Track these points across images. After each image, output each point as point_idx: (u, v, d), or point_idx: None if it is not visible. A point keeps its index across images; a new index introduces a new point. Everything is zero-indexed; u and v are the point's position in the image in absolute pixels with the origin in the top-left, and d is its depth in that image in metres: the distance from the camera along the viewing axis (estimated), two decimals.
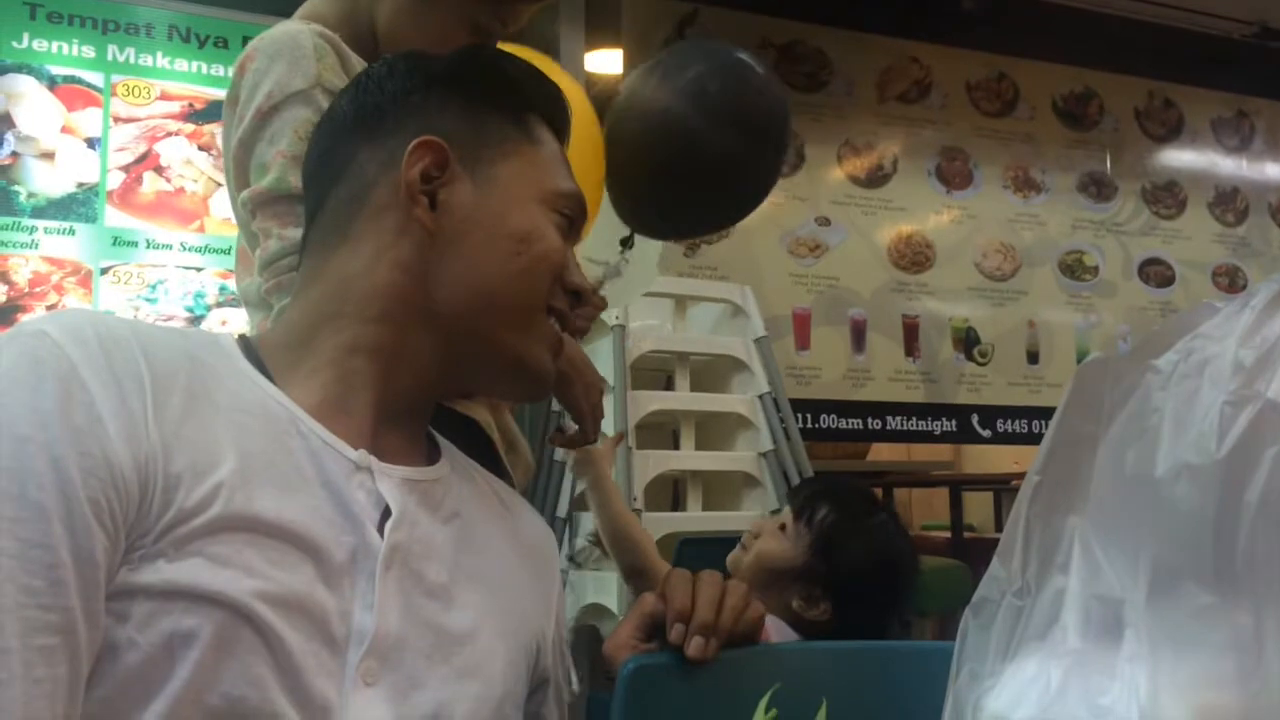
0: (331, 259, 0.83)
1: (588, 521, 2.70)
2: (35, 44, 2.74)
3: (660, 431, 2.91)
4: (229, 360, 0.76)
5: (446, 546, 0.80)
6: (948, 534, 4.38)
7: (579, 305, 0.90)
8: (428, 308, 0.81)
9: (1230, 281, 4.20)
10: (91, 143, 2.75)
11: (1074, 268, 3.99)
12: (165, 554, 0.65)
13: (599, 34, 3.53)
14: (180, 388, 0.70)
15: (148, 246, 2.77)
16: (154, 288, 2.76)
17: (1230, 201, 4.28)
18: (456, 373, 0.85)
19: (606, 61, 3.61)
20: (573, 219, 0.89)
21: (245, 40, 2.96)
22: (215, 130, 2.84)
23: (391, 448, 0.80)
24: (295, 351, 0.79)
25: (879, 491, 4.00)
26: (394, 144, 0.82)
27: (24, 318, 2.60)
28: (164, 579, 0.65)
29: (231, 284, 2.84)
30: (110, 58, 2.80)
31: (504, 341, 0.84)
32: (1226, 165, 4.32)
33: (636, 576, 2.05)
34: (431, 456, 0.86)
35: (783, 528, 1.53)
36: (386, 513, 0.76)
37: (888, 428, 3.66)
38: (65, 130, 2.73)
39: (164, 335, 0.74)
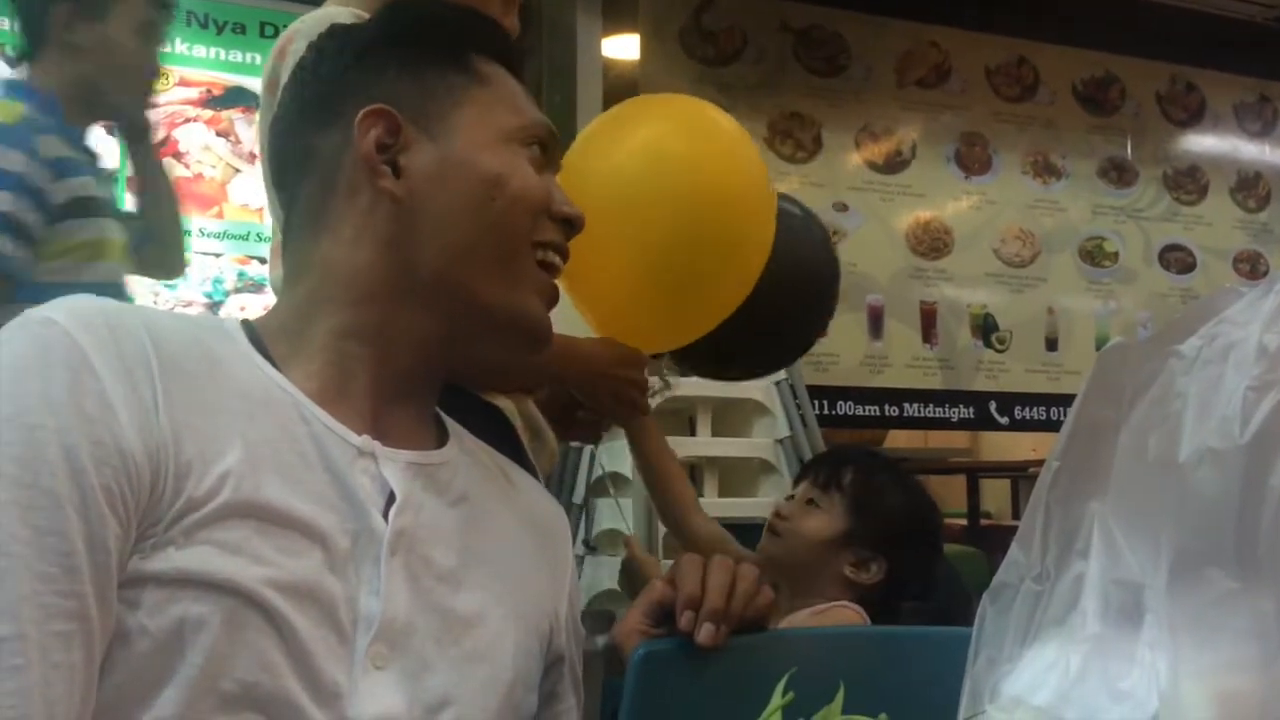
0: (314, 250, 0.82)
1: (604, 507, 2.71)
2: None
3: (677, 418, 2.90)
4: (235, 345, 0.76)
5: (454, 530, 0.80)
6: (964, 521, 4.37)
7: (573, 232, 0.87)
8: (412, 280, 0.80)
9: (1251, 268, 4.17)
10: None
11: (1094, 254, 3.97)
12: (175, 542, 0.66)
13: (616, 20, 3.52)
14: (188, 374, 0.71)
15: None
16: None
17: (1252, 187, 4.25)
18: (452, 345, 0.83)
19: (623, 48, 3.60)
20: (546, 147, 0.86)
21: (263, 26, 2.98)
22: (234, 116, 2.85)
23: (396, 431, 0.79)
24: (293, 338, 0.79)
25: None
26: (344, 124, 0.81)
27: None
28: (174, 567, 0.65)
29: (250, 270, 2.85)
30: None
31: (490, 296, 0.82)
32: (1249, 150, 4.27)
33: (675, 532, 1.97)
34: (440, 439, 0.86)
35: (810, 502, 1.54)
36: (392, 498, 0.76)
37: (905, 414, 3.65)
38: None
39: (171, 321, 0.74)
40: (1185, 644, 0.60)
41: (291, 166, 0.86)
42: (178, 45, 2.85)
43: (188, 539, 0.66)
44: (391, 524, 0.74)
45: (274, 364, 0.77)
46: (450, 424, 0.89)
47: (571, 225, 0.86)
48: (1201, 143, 4.20)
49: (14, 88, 1.83)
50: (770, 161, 3.55)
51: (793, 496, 1.60)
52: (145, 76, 1.88)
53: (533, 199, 0.83)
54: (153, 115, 2.01)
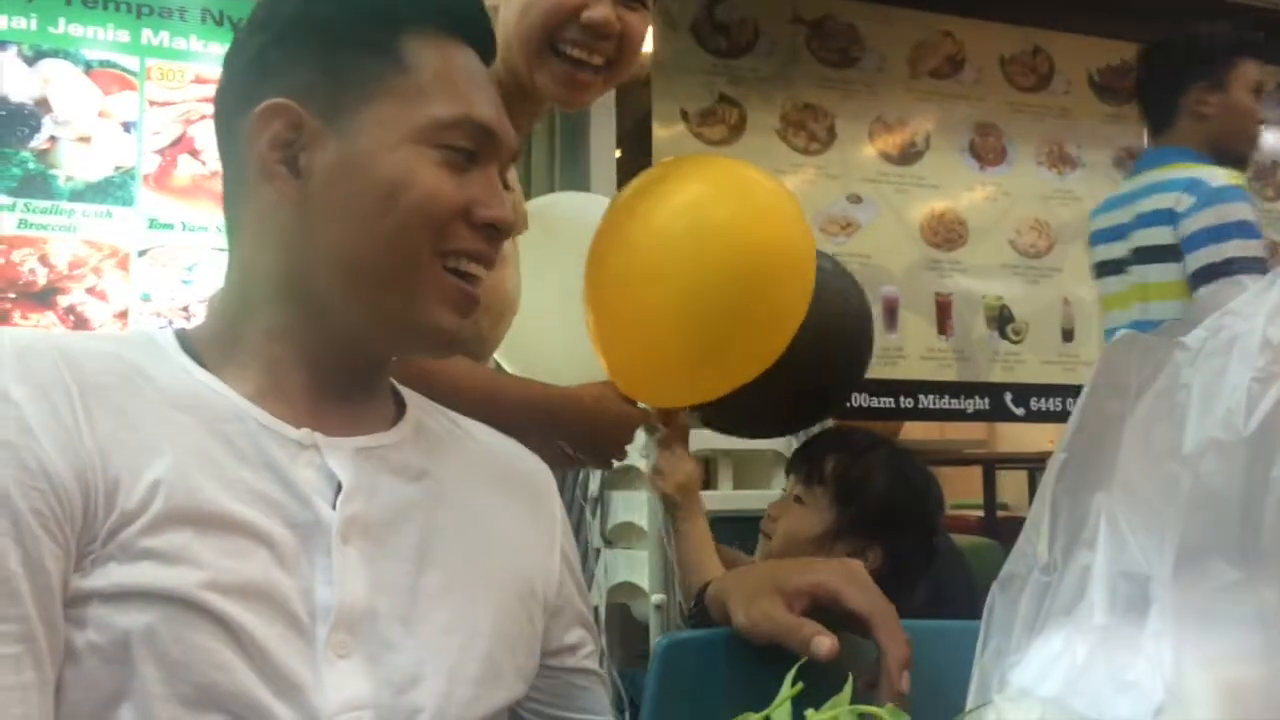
0: (235, 246, 0.81)
1: (619, 501, 2.72)
2: (71, 29, 2.76)
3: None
4: (166, 357, 0.76)
5: (416, 507, 0.79)
6: (981, 513, 4.36)
7: (498, 236, 0.81)
8: (309, 286, 0.78)
9: (1270, 256, 4.13)
10: (127, 126, 2.77)
11: None
12: (114, 557, 0.67)
13: None
14: (109, 391, 0.71)
15: (184, 229, 2.80)
16: (190, 270, 2.79)
17: (1269, 176, 4.21)
18: (374, 345, 0.81)
19: None
20: (470, 150, 0.79)
21: None
22: None
23: (343, 420, 0.79)
24: (225, 343, 0.79)
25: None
26: (252, 115, 0.78)
27: (62, 300, 2.64)
28: (113, 582, 0.66)
29: None
30: (145, 42, 2.83)
31: (386, 308, 0.78)
32: (1266, 139, 4.22)
33: None
34: (398, 416, 0.85)
35: (798, 499, 1.51)
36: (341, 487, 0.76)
37: (920, 406, 3.64)
38: (101, 114, 2.76)
39: (87, 342, 0.75)
40: (1190, 635, 0.60)
41: (220, 151, 0.83)
42: (192, 43, 2.87)
43: (125, 553, 0.67)
44: (339, 512, 0.74)
45: (208, 369, 0.77)
46: (409, 396, 0.88)
47: (496, 230, 0.80)
48: None
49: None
50: (783, 154, 3.54)
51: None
52: (1255, 127, 2.40)
53: (435, 209, 0.77)
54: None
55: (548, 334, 1.54)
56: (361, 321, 0.79)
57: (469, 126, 0.79)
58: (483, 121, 0.79)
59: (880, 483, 1.49)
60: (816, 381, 1.53)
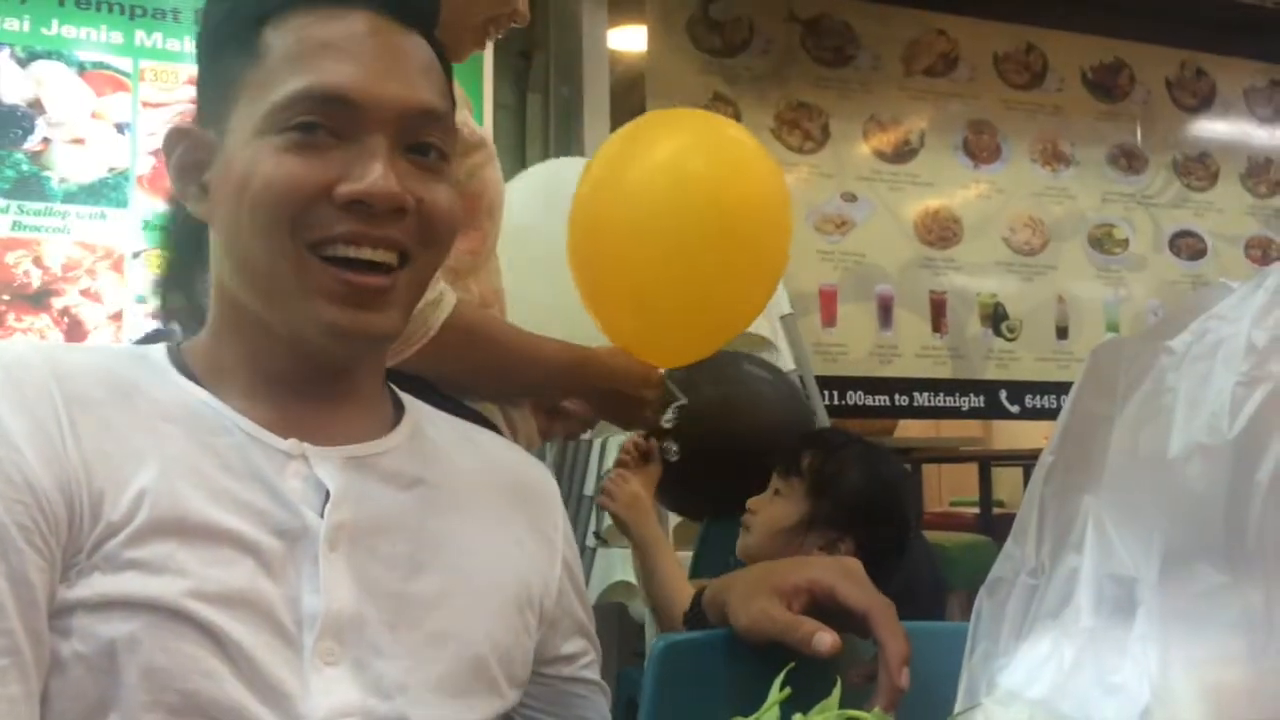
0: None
1: None
2: (64, 30, 2.76)
3: None
4: (157, 371, 0.77)
5: (408, 514, 0.79)
6: (976, 510, 4.36)
7: (376, 214, 0.73)
8: (236, 308, 0.78)
9: (1263, 254, 4.14)
10: (121, 128, 2.77)
11: (1104, 241, 3.95)
12: (99, 568, 0.67)
13: (623, 11, 3.51)
14: (96, 403, 0.71)
15: None
16: None
17: (1263, 173, 4.22)
18: (300, 344, 0.77)
19: (630, 39, 3.60)
20: (316, 124, 0.72)
21: None
22: None
23: (333, 428, 0.78)
24: (214, 359, 0.79)
25: (907, 468, 3.99)
26: None
27: (56, 302, 2.64)
28: (98, 592, 0.66)
29: None
30: (138, 43, 2.82)
31: (283, 310, 0.75)
32: (1260, 136, 4.24)
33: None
34: (396, 420, 0.84)
35: (776, 492, 1.55)
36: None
37: (915, 404, 3.64)
38: (95, 116, 2.76)
39: (77, 355, 0.75)
40: (1176, 637, 0.60)
41: None
42: (186, 44, 2.87)
43: (110, 563, 0.67)
44: (327, 520, 0.74)
45: (199, 383, 0.77)
46: (408, 402, 0.87)
47: (367, 206, 0.73)
48: (1212, 129, 4.17)
49: None
50: (778, 152, 3.54)
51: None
52: None
53: (272, 197, 0.72)
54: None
55: (538, 306, 1.57)
56: (278, 330, 0.77)
57: (310, 100, 0.72)
58: (329, 89, 0.72)
59: (853, 477, 1.53)
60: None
